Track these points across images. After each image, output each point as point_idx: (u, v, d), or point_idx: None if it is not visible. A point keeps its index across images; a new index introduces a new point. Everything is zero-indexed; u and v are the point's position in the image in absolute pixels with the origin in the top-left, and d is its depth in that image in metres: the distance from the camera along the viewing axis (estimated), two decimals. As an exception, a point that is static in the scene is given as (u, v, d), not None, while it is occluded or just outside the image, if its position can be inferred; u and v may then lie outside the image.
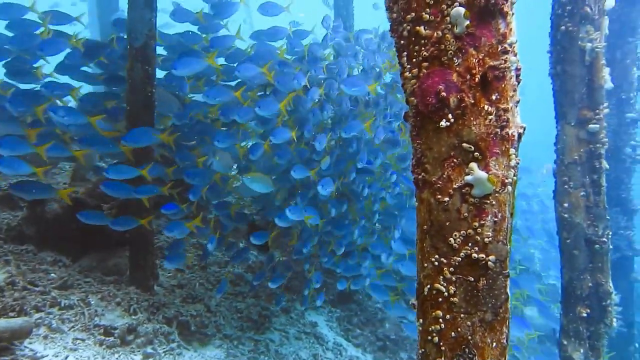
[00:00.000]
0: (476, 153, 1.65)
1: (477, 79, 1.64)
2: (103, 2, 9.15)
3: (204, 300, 5.19)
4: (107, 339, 3.84)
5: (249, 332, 5.27)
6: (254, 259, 6.49)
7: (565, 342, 3.67)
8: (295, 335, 5.69)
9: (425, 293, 1.71)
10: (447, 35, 1.64)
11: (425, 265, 1.73)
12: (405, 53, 1.74)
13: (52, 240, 4.78)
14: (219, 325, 5.03)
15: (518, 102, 1.69)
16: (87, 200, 5.09)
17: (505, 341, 1.66)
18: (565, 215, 3.91)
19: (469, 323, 1.63)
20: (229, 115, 4.83)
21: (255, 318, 5.44)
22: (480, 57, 1.63)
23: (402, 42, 1.75)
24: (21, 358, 3.16)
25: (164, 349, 4.18)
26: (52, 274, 4.29)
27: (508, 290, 1.65)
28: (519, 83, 1.69)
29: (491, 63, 1.62)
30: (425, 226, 1.74)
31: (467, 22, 1.60)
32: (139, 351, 3.95)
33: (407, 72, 1.75)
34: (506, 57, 1.63)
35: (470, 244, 1.65)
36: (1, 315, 3.43)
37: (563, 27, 3.87)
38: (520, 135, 1.68)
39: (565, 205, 3.89)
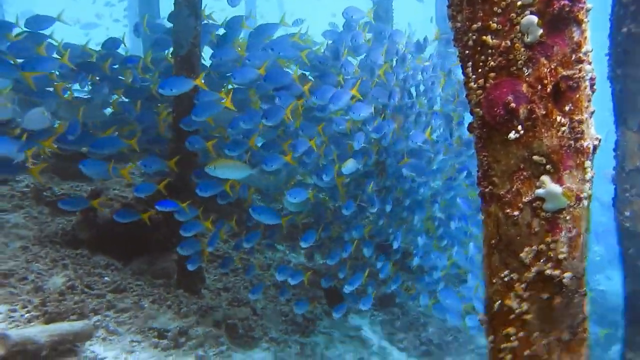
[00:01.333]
0: (548, 166, 1.59)
1: (548, 89, 1.59)
2: (143, 7, 9.35)
3: (250, 303, 5.25)
4: (160, 341, 3.93)
5: (294, 335, 5.31)
6: (295, 262, 6.53)
7: (630, 356, 3.53)
8: (339, 338, 5.69)
9: (496, 309, 1.67)
10: (517, 44, 1.59)
11: (494, 281, 1.68)
12: (470, 63, 1.70)
13: (104, 244, 4.93)
14: (265, 328, 5.08)
15: (593, 113, 1.62)
16: (135, 205, 5.22)
17: (583, 362, 1.61)
18: (627, 225, 3.75)
19: (544, 342, 1.58)
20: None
21: (299, 321, 5.47)
22: (553, 66, 1.58)
23: (466, 51, 1.71)
24: (84, 360, 3.28)
25: (214, 351, 4.25)
26: (106, 277, 4.42)
27: (586, 309, 1.59)
28: (593, 93, 1.62)
29: (564, 73, 1.57)
30: (493, 240, 1.70)
31: (540, 31, 1.55)
32: (191, 353, 4.04)
33: (472, 83, 1.71)
34: (580, 67, 1.57)
35: (542, 260, 1.60)
36: (64, 318, 3.56)
37: (625, 29, 3.70)
38: (595, 148, 1.62)
39: (627, 214, 3.74)
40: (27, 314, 3.52)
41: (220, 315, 4.75)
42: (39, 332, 3.12)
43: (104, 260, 4.76)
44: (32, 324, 3.42)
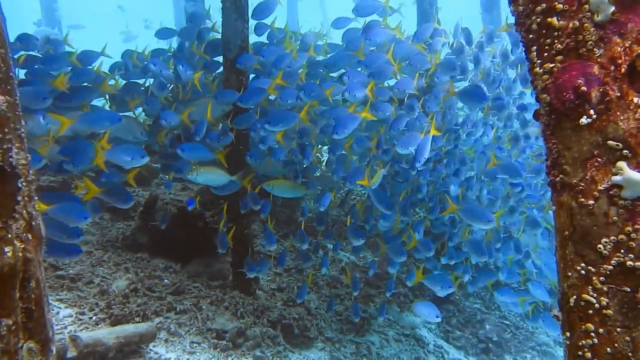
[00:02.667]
0: (625, 151, 1.50)
1: (623, 70, 1.50)
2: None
3: (304, 303, 5.27)
4: (219, 342, 4.00)
5: (349, 334, 5.28)
6: (347, 260, 6.51)
7: None
8: (394, 337, 5.62)
9: (572, 304, 1.59)
10: (586, 24, 1.51)
11: (569, 274, 1.60)
12: (534, 47, 1.64)
13: (162, 247, 5.07)
14: (320, 328, 5.08)
15: (674, 92, 1.52)
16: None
17: (671, 358, 1.50)
18: None
19: (627, 338, 1.49)
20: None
21: (354, 320, 5.44)
22: (627, 44, 1.49)
23: (530, 35, 1.64)
24: (149, 361, 3.38)
25: (271, 351, 4.29)
26: (165, 280, 4.54)
27: (673, 302, 1.49)
28: (673, 71, 1.52)
29: (641, 51, 1.47)
30: (567, 232, 1.62)
31: (612, 8, 1.46)
32: (249, 354, 4.09)
33: (538, 68, 1.64)
34: (659, 43, 1.47)
35: (623, 251, 1.51)
36: (128, 320, 3.68)
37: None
38: (678, 129, 1.51)
39: None
40: (95, 317, 3.67)
41: (275, 316, 4.78)
42: (107, 334, 3.24)
43: (163, 263, 4.89)
44: (99, 326, 3.56)
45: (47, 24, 14.01)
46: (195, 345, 3.87)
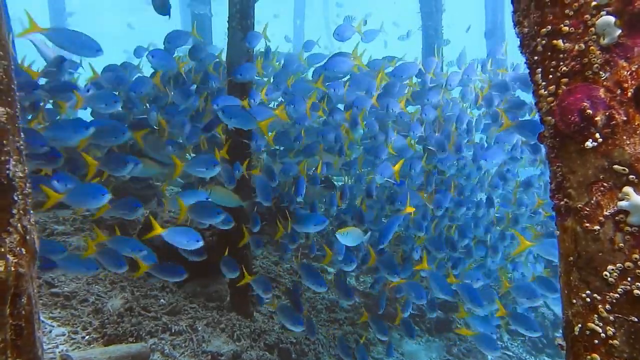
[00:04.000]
0: (631, 176, 1.47)
1: (629, 94, 1.47)
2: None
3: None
4: (214, 365, 3.91)
5: (347, 360, 5.16)
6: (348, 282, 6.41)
7: None
8: (394, 365, 5.50)
9: (577, 333, 1.53)
10: (592, 47, 1.49)
11: (574, 301, 1.55)
12: (539, 69, 1.62)
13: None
14: (318, 352, 4.98)
15: (681, 117, 1.49)
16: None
17: (681, 393, 1.44)
18: None
19: (634, 370, 1.43)
20: None
21: (352, 346, 5.32)
22: (633, 69, 1.47)
23: (535, 57, 1.63)
24: (141, 383, 3.29)
25: (267, 376, 4.19)
26: (162, 300, 4.47)
27: (683, 333, 1.43)
28: (680, 96, 1.49)
29: (647, 75, 1.45)
30: (571, 258, 1.57)
31: (619, 32, 1.44)
32: (244, 378, 3.99)
33: (543, 90, 1.62)
34: (666, 68, 1.45)
35: (629, 279, 1.45)
36: (121, 340, 3.61)
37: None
38: (685, 155, 1.48)
39: None
40: (88, 336, 3.60)
41: (272, 339, 4.69)
42: (99, 354, 3.16)
43: (160, 282, 4.83)
44: (92, 345, 3.48)
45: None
46: (189, 367, 3.78)
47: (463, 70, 5.44)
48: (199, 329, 4.24)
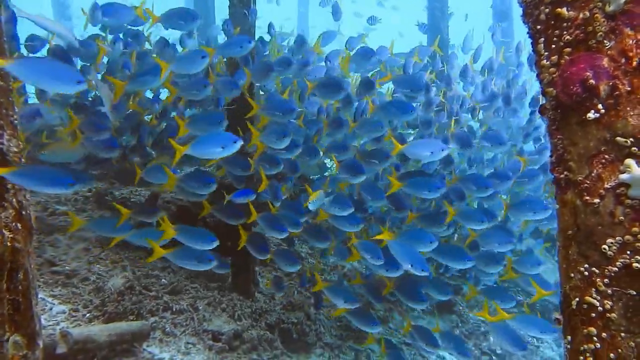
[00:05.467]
0: (634, 148, 1.43)
1: (634, 63, 1.43)
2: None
3: (304, 307, 5.19)
4: (215, 344, 3.93)
5: (348, 341, 5.19)
6: (349, 267, 6.42)
7: None
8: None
9: (574, 307, 1.51)
10: (597, 15, 1.45)
11: (572, 275, 1.53)
12: (542, 39, 1.58)
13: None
14: (319, 333, 5.00)
15: (686, 86, 1.45)
16: (191, 208, 5.30)
17: (679, 366, 1.42)
18: None
19: (631, 344, 1.41)
20: None
21: (354, 327, 5.35)
22: (639, 37, 1.42)
23: (538, 26, 1.59)
24: (141, 360, 3.31)
25: (268, 355, 4.21)
26: (163, 280, 4.48)
27: (683, 306, 1.41)
28: (686, 64, 1.45)
29: (653, 43, 1.41)
30: (570, 231, 1.55)
31: (624, -2, 1.40)
32: (245, 357, 4.01)
33: (545, 60, 1.57)
34: (672, 35, 1.40)
35: (629, 252, 1.43)
36: (122, 318, 3.62)
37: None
38: (690, 125, 1.44)
39: None
40: (88, 314, 3.61)
41: (273, 319, 4.70)
42: (99, 331, 3.18)
43: (161, 262, 4.83)
44: (92, 323, 3.50)
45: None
46: (190, 346, 3.80)
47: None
48: (200, 308, 4.26)
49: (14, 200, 2.15)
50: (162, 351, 3.56)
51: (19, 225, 2.16)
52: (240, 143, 3.48)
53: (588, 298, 1.48)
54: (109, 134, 3.99)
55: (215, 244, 3.65)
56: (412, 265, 3.67)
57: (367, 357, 5.08)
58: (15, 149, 2.15)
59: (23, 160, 2.20)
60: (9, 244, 2.11)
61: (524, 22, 1.65)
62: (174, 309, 4.08)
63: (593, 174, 1.50)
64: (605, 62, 1.46)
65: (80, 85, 2.79)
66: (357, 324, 4.50)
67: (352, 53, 5.02)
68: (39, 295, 3.46)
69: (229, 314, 4.44)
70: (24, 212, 2.21)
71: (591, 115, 1.48)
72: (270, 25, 5.66)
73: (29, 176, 2.34)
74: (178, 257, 3.68)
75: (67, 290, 3.79)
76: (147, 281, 4.30)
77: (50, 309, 3.52)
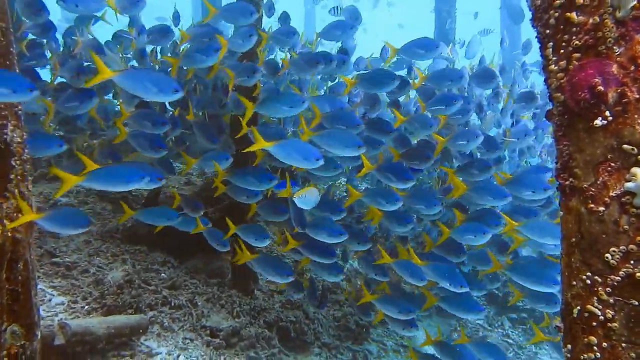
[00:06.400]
0: (640, 156, 1.42)
1: (643, 70, 1.41)
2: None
3: (302, 306, 5.18)
4: (213, 340, 3.93)
5: (346, 341, 5.18)
6: (349, 266, 6.41)
7: None
8: (393, 347, 5.51)
9: (575, 315, 1.50)
10: (607, 20, 1.43)
11: (574, 283, 1.52)
12: (550, 43, 1.56)
13: (162, 241, 5.02)
14: (317, 332, 4.99)
15: (696, 96, 1.43)
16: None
17: (680, 379, 1.40)
18: None
19: (632, 355, 1.40)
20: None
21: (352, 327, 5.34)
22: (649, 44, 1.41)
23: (547, 31, 1.57)
24: (139, 354, 3.31)
25: (265, 353, 4.20)
26: (163, 274, 4.48)
27: (685, 318, 1.40)
28: (697, 73, 1.43)
29: (663, 50, 1.39)
30: (574, 239, 1.53)
31: (634, 3, 1.38)
32: (242, 354, 4.01)
33: (553, 65, 1.56)
34: (683, 43, 1.39)
35: (632, 262, 1.41)
36: (121, 311, 3.62)
37: None
38: (699, 135, 1.42)
39: None
40: (87, 306, 3.61)
41: (272, 317, 4.70)
42: (97, 323, 3.18)
43: (161, 257, 4.84)
44: (91, 315, 3.50)
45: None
46: (187, 341, 3.80)
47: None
48: (199, 304, 4.26)
49: (16, 191, 2.15)
50: (159, 345, 3.56)
51: (20, 216, 2.16)
52: None
53: (590, 307, 1.46)
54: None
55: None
56: (450, 284, 3.75)
57: (365, 358, 5.07)
58: (19, 140, 2.15)
59: (27, 151, 2.19)
60: (9, 234, 2.11)
61: (533, 26, 1.63)
62: (173, 304, 4.08)
63: (599, 182, 1.48)
64: (614, 68, 1.45)
65: (178, 94, 3.01)
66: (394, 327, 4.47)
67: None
68: (39, 286, 3.46)
69: (227, 311, 4.44)
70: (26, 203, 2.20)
71: (598, 122, 1.46)
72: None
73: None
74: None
75: (67, 282, 3.80)
76: (146, 275, 4.30)
77: (50, 300, 3.53)
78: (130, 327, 3.35)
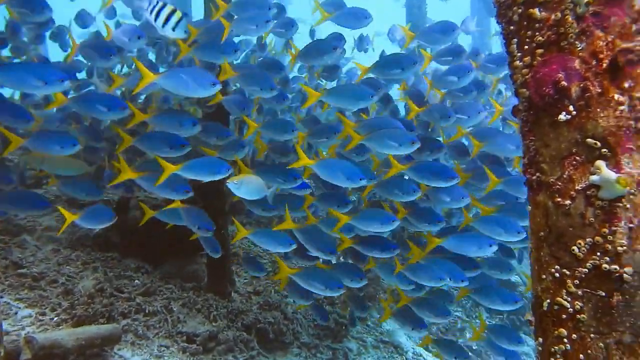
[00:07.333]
0: (604, 149, 1.44)
1: (604, 65, 1.43)
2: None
3: (281, 307, 5.15)
4: (189, 346, 3.87)
5: (326, 340, 5.18)
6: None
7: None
8: (372, 344, 5.54)
9: (545, 308, 1.51)
10: (568, 16, 1.45)
11: (544, 277, 1.53)
12: (515, 40, 1.57)
13: (135, 247, 4.92)
14: (296, 332, 4.97)
15: (656, 89, 1.46)
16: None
17: (649, 367, 1.43)
18: None
19: (601, 345, 1.42)
20: None
21: (332, 326, 5.34)
22: (609, 39, 1.42)
23: (511, 27, 1.58)
24: (112, 364, 3.23)
25: (244, 356, 4.17)
26: (136, 281, 4.40)
27: (651, 307, 1.42)
28: (656, 67, 1.46)
29: (623, 45, 1.41)
30: (542, 233, 1.55)
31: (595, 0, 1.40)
32: (220, 358, 3.96)
33: (518, 61, 1.57)
34: (642, 38, 1.41)
35: (599, 254, 1.43)
36: (92, 321, 3.53)
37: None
38: (659, 128, 1.45)
39: None
40: (56, 317, 3.51)
41: (250, 319, 4.66)
42: (66, 335, 3.08)
43: (135, 263, 4.74)
44: (60, 327, 3.40)
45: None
46: (163, 349, 3.73)
47: None
48: (174, 309, 4.18)
49: None
50: (134, 354, 3.49)
51: None
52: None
53: (559, 299, 1.48)
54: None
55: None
56: (450, 278, 3.76)
57: (345, 356, 5.07)
58: None
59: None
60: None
61: (497, 22, 1.64)
62: (147, 311, 4.01)
63: (564, 176, 1.50)
64: (577, 63, 1.46)
65: (215, 87, 3.16)
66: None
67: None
68: (3, 299, 3.36)
69: (204, 315, 4.38)
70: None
71: (562, 116, 1.48)
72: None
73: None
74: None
75: (34, 294, 3.68)
76: (119, 282, 4.21)
77: (16, 313, 3.41)
78: (102, 337, 3.26)
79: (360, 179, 3.38)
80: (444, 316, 4.09)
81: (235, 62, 4.28)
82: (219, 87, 3.19)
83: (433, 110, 4.24)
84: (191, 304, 4.41)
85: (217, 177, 3.43)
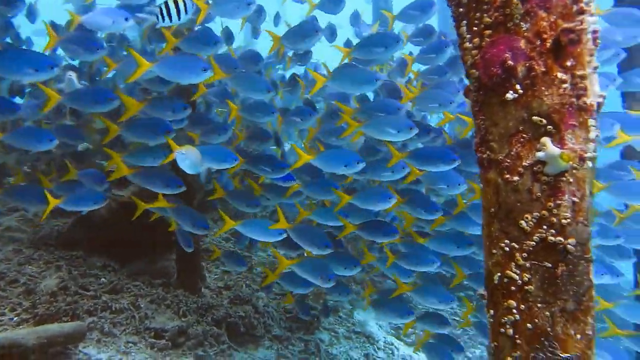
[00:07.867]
0: (549, 126, 1.49)
1: (548, 45, 1.48)
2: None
3: (252, 301, 5.14)
4: (158, 341, 3.83)
5: (298, 332, 5.19)
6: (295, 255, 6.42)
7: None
8: (344, 334, 5.58)
9: (496, 282, 1.56)
10: (512, -3, 1.49)
11: (494, 251, 1.58)
12: (464, 21, 1.61)
13: (101, 245, 4.83)
14: (267, 325, 4.97)
15: (596, 68, 1.51)
16: (132, 203, 5.12)
17: (591, 332, 1.49)
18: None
19: (547, 313, 1.47)
20: None
21: (303, 318, 5.35)
22: (552, 19, 1.47)
23: (460, 9, 1.62)
24: (76, 362, 3.18)
25: (214, 350, 4.14)
26: (102, 279, 4.32)
27: (592, 276, 1.48)
28: (596, 47, 1.51)
29: (565, 25, 1.46)
30: (493, 209, 1.59)
31: (535, -20, 1.44)
32: (190, 353, 3.93)
33: (467, 43, 1.61)
34: (582, 18, 1.46)
35: (545, 227, 1.49)
36: (55, 320, 3.46)
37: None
38: (599, 105, 1.51)
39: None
40: (17, 317, 3.43)
41: (220, 314, 4.64)
42: (26, 334, 3.01)
43: (101, 261, 4.66)
44: (20, 327, 3.32)
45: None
46: (130, 345, 3.68)
47: None
48: (142, 306, 4.13)
49: None
50: (99, 352, 3.43)
51: None
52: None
53: (508, 272, 1.52)
54: None
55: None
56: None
57: (317, 347, 5.10)
58: None
59: None
60: None
61: (448, 5, 1.67)
62: (114, 308, 3.95)
63: (512, 153, 1.54)
64: (522, 43, 1.51)
65: (207, 73, 3.25)
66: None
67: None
68: (-40, 300, 3.26)
69: (173, 311, 4.34)
70: None
71: (510, 95, 1.52)
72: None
73: None
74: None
75: (-6, 294, 3.59)
76: (84, 281, 4.13)
77: (-26, 314, 3.33)
78: (64, 335, 3.20)
79: (358, 162, 3.44)
80: (448, 302, 4.14)
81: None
82: (210, 73, 3.27)
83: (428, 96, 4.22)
84: (160, 300, 4.36)
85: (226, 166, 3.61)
